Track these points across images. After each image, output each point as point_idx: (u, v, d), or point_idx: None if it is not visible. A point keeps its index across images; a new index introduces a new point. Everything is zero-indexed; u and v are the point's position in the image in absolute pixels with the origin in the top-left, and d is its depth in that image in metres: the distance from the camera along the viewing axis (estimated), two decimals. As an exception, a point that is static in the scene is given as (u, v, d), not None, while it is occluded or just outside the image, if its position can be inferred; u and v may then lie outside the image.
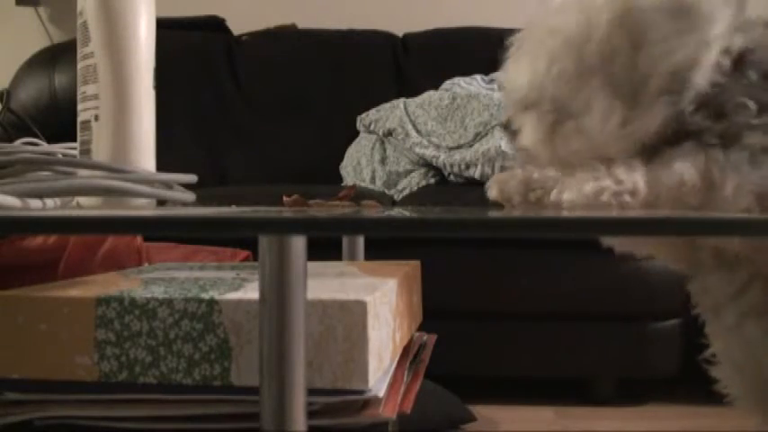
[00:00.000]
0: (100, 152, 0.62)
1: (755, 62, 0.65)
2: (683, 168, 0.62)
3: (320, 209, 0.61)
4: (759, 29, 0.67)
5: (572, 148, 0.66)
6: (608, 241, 0.74)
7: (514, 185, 0.67)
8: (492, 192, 0.68)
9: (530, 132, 0.69)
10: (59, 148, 0.70)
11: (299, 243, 0.47)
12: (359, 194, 0.70)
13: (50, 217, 0.46)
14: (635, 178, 0.63)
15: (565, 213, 0.55)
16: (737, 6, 0.66)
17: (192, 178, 0.65)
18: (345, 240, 0.87)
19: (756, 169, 0.61)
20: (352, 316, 0.54)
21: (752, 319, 0.69)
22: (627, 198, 0.62)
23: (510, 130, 0.71)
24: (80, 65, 0.63)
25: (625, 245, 0.78)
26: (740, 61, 0.65)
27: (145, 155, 0.63)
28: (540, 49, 0.67)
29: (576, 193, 0.63)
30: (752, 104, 0.63)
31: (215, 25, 2.32)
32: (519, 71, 0.69)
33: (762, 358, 0.70)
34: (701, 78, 0.64)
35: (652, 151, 0.65)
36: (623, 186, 0.62)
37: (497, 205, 0.67)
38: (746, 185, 0.61)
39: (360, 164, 2.03)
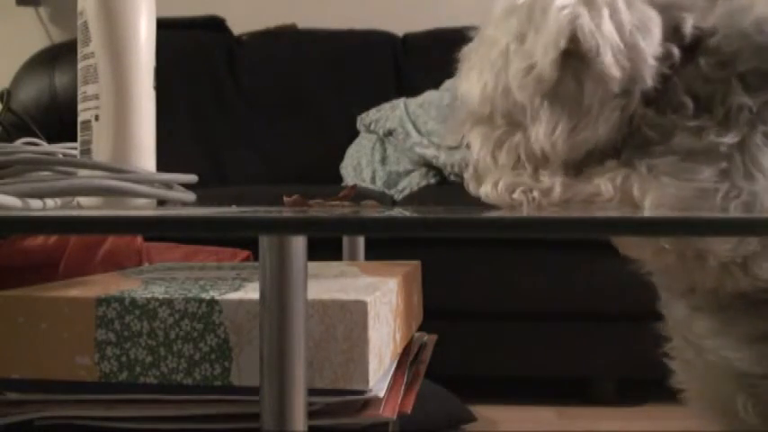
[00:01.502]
0: (100, 152, 0.62)
1: (712, 48, 0.62)
2: (601, 182, 0.62)
3: (320, 209, 0.61)
4: (721, 8, 0.64)
5: (520, 160, 0.66)
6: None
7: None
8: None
9: (478, 147, 0.68)
10: (60, 148, 0.70)
11: (299, 243, 0.47)
12: (359, 194, 0.70)
13: (50, 217, 0.46)
14: (554, 181, 0.63)
15: (564, 213, 0.55)
16: None
17: (192, 178, 0.65)
18: (345, 240, 0.87)
19: (676, 179, 0.59)
20: (353, 316, 0.54)
21: (701, 315, 0.69)
22: (536, 194, 0.62)
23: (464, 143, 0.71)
24: (80, 65, 0.63)
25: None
26: (695, 47, 0.62)
27: (145, 155, 0.63)
28: (487, 62, 0.66)
29: (490, 187, 0.64)
30: (689, 102, 0.61)
31: (215, 25, 2.32)
32: (470, 84, 0.68)
33: (708, 357, 0.69)
34: (647, 74, 0.61)
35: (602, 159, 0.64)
36: (538, 185, 0.62)
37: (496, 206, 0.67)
38: (664, 198, 0.59)
39: (360, 164, 2.03)
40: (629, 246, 0.67)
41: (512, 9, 0.65)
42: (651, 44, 0.61)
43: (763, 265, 0.60)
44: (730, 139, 0.59)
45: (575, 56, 0.61)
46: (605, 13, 0.60)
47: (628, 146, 0.63)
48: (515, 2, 0.65)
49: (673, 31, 0.63)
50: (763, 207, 0.59)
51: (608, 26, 0.60)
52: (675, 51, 0.62)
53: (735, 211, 0.58)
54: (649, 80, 0.61)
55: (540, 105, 0.63)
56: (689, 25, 0.62)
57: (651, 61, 0.61)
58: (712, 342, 0.69)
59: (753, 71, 0.60)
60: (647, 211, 0.59)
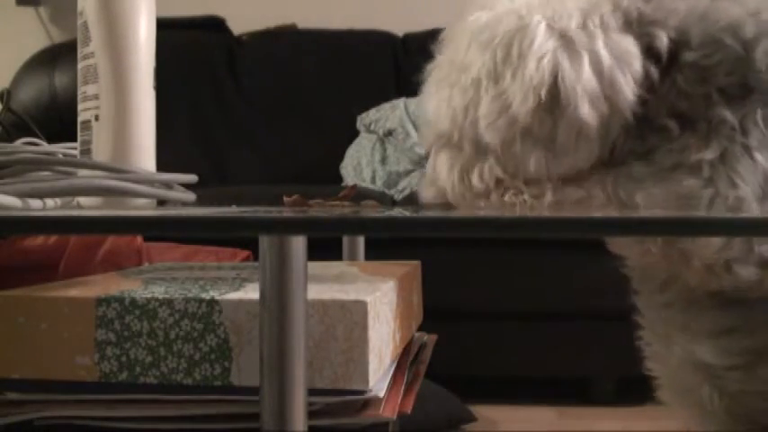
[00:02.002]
0: (100, 152, 0.62)
1: (689, 62, 0.61)
2: (591, 186, 0.62)
3: (320, 209, 0.61)
4: (684, 6, 0.62)
5: (489, 187, 0.65)
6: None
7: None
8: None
9: (446, 171, 0.67)
10: (60, 148, 0.70)
11: (299, 243, 0.47)
12: (359, 194, 0.70)
13: (51, 217, 0.46)
14: (544, 186, 0.62)
15: (562, 214, 0.55)
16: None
17: (192, 178, 0.65)
18: (345, 240, 0.87)
19: (662, 187, 0.60)
20: (353, 316, 0.54)
21: (671, 310, 0.69)
22: (526, 197, 0.62)
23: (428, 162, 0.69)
24: (80, 65, 0.63)
25: None
26: (670, 62, 0.61)
27: (145, 155, 0.63)
28: (458, 88, 0.65)
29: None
30: (673, 125, 0.61)
31: (215, 25, 2.32)
32: (438, 106, 0.67)
33: (675, 349, 0.70)
34: (626, 110, 0.60)
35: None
36: (529, 189, 0.62)
37: None
38: (652, 203, 0.59)
39: (360, 164, 2.03)
40: (616, 242, 0.68)
41: (487, 43, 0.63)
42: (630, 80, 0.60)
43: (745, 267, 0.60)
44: (711, 153, 0.59)
45: (551, 99, 0.60)
46: (585, 59, 0.59)
47: (614, 161, 0.63)
48: (491, 36, 0.63)
49: (647, 49, 0.61)
50: (750, 211, 0.59)
51: (587, 74, 0.59)
52: (653, 71, 0.61)
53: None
54: (629, 114, 0.61)
55: (512, 141, 0.62)
56: (664, 42, 0.61)
57: (631, 96, 0.60)
58: (680, 336, 0.69)
59: (733, 84, 0.60)
60: (642, 211, 0.59)
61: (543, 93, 0.59)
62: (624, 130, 0.62)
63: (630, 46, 0.60)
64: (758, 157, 0.59)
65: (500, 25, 0.62)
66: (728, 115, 0.59)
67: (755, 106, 0.59)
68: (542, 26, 0.60)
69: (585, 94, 0.59)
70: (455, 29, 0.68)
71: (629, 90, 0.60)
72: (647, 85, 0.61)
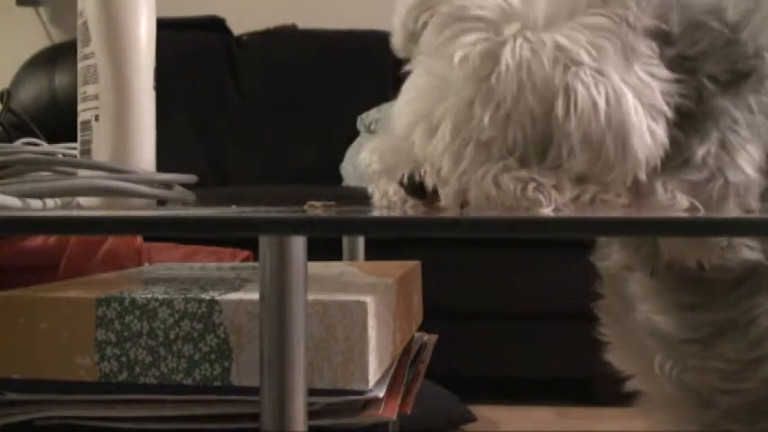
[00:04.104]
0: (100, 152, 0.62)
1: (677, 56, 0.58)
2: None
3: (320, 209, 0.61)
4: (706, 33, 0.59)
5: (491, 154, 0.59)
6: None
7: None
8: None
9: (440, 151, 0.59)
10: (60, 149, 0.70)
11: (299, 243, 0.47)
12: (360, 195, 0.70)
13: (51, 217, 0.46)
14: (561, 178, 0.57)
15: (563, 214, 0.55)
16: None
17: (192, 178, 0.65)
18: (345, 240, 0.87)
19: (672, 181, 0.58)
20: (353, 316, 0.54)
21: (635, 277, 0.70)
22: (552, 192, 0.56)
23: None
24: (80, 65, 0.63)
25: None
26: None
27: (145, 155, 0.63)
28: (450, 112, 0.59)
29: (489, 182, 0.57)
30: (698, 159, 0.58)
31: (215, 25, 2.32)
32: (417, 123, 0.60)
33: (635, 316, 0.71)
34: (651, 154, 0.56)
35: None
36: (548, 180, 0.57)
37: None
38: (673, 183, 0.58)
39: (360, 164, 2.03)
40: None
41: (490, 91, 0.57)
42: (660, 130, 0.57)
43: (742, 250, 0.60)
44: (711, 145, 0.58)
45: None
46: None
47: None
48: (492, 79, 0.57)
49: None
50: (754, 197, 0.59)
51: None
52: (671, 114, 0.58)
53: (732, 202, 0.58)
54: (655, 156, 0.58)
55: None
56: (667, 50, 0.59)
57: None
58: (642, 304, 0.70)
59: (723, 71, 0.58)
60: (663, 199, 0.58)
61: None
62: None
63: (654, 87, 0.57)
64: (753, 144, 0.58)
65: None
66: (722, 102, 0.58)
67: (747, 93, 0.59)
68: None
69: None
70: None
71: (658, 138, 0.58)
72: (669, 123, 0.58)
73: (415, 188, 0.60)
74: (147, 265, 0.97)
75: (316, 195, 0.68)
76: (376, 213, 0.56)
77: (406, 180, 0.60)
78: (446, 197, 0.58)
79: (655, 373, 0.71)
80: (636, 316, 0.71)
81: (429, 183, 0.59)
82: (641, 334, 0.72)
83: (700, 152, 0.58)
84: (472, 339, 1.64)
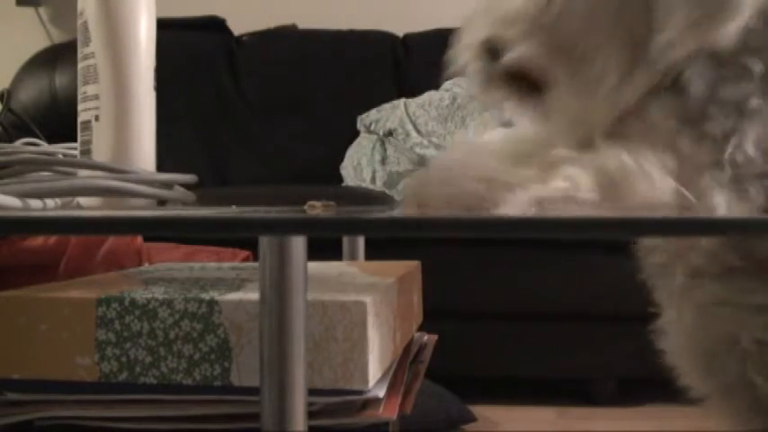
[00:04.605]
0: (100, 152, 0.62)
1: None
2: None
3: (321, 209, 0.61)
4: None
5: (556, 107, 0.56)
6: None
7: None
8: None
9: (524, 49, 0.56)
10: (60, 149, 0.70)
11: (299, 243, 0.47)
12: (359, 195, 0.70)
13: (51, 217, 0.46)
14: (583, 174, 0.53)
15: (564, 214, 0.55)
16: None
17: (192, 178, 0.65)
18: (345, 240, 0.87)
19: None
20: (352, 316, 0.54)
21: (702, 282, 0.65)
22: (585, 196, 0.52)
23: (491, 48, 0.58)
24: (80, 65, 0.63)
25: None
26: None
27: (145, 155, 0.63)
28: None
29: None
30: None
31: (215, 25, 2.32)
32: None
33: (709, 324, 0.66)
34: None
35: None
36: (576, 181, 0.53)
37: None
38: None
39: (360, 164, 2.03)
40: None
41: None
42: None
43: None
44: (731, 140, 0.57)
45: None
46: None
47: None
48: None
49: None
50: None
51: None
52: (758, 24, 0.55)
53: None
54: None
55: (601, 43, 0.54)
56: None
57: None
58: (718, 309, 0.65)
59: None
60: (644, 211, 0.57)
61: None
62: None
63: None
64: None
65: None
66: (734, 92, 0.55)
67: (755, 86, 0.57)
68: None
69: None
70: None
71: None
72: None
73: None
74: (147, 265, 0.97)
75: (316, 195, 0.68)
76: (377, 213, 0.56)
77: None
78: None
79: (724, 371, 0.66)
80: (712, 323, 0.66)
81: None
82: (712, 325, 0.66)
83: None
84: (472, 339, 1.64)
